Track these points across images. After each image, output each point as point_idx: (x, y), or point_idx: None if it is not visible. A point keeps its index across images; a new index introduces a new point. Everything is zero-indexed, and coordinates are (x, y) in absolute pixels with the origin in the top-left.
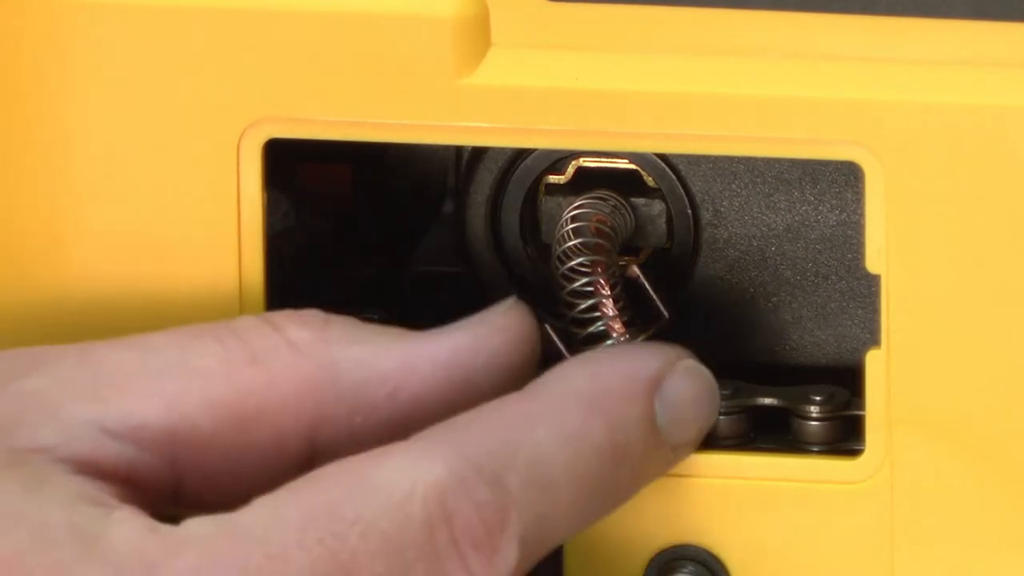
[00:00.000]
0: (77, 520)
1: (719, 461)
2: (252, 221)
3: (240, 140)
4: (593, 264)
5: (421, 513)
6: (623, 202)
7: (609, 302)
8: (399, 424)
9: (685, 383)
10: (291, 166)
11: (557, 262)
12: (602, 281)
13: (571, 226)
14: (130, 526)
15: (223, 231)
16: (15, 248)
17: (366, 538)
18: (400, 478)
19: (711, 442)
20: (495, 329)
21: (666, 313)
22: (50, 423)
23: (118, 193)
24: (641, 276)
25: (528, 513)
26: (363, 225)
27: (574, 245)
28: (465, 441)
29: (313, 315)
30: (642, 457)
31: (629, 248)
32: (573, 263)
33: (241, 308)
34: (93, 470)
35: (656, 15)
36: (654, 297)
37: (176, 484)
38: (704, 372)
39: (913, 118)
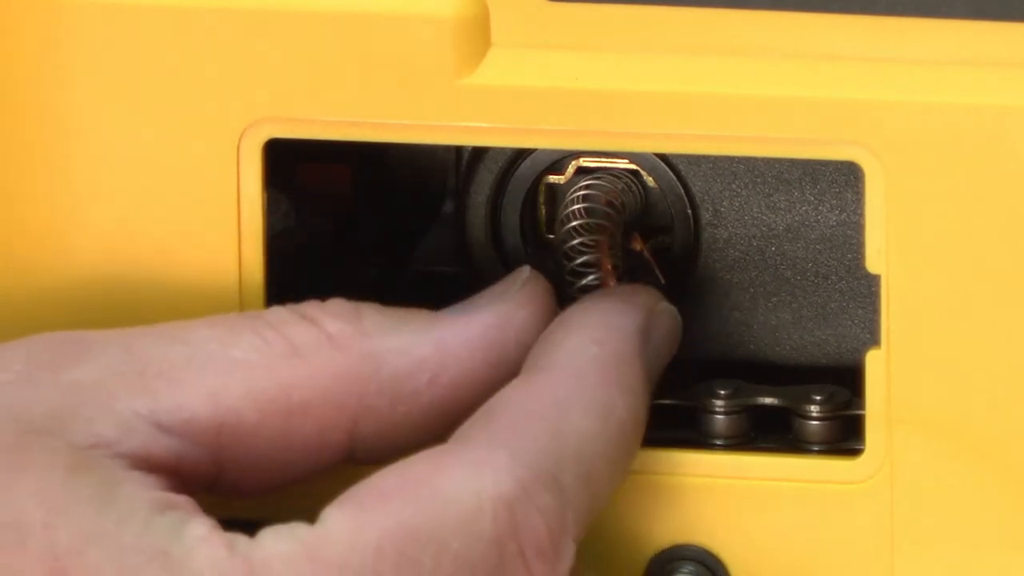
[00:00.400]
0: (155, 540)
1: (719, 461)
2: (252, 221)
3: (240, 140)
4: (597, 243)
5: (491, 529)
6: (635, 181)
7: (612, 281)
8: (439, 409)
9: (663, 327)
10: (291, 166)
11: (562, 237)
12: (605, 259)
13: (578, 206)
14: (209, 546)
15: (223, 231)
16: (15, 247)
17: (439, 560)
18: (467, 493)
19: (711, 442)
20: (518, 304)
21: (663, 279)
22: (107, 417)
23: (118, 193)
24: (645, 249)
25: (581, 510)
26: (363, 225)
27: (578, 225)
28: (520, 444)
29: (343, 305)
30: (644, 412)
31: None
32: (576, 241)
33: (241, 308)
34: (147, 464)
35: (656, 15)
36: (656, 269)
37: (216, 476)
38: (672, 309)
39: (913, 118)
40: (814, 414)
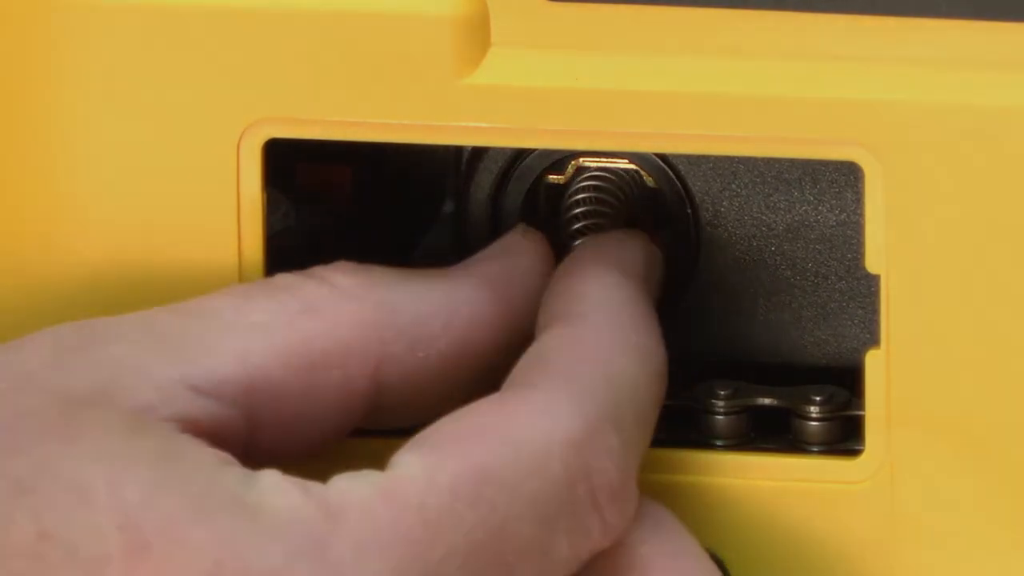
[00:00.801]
0: (227, 488)
1: (719, 461)
2: (252, 221)
3: (240, 140)
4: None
5: (562, 472)
6: (635, 181)
7: None
8: (456, 353)
9: (656, 267)
10: (291, 166)
11: (562, 237)
12: None
13: (580, 209)
14: (283, 491)
15: (223, 231)
16: (15, 248)
17: (512, 502)
18: (537, 436)
19: (711, 442)
20: (519, 253)
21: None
22: (146, 385)
23: (118, 193)
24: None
25: (640, 451)
26: (363, 225)
27: (579, 225)
28: (581, 388)
29: (349, 264)
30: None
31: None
32: (576, 242)
33: None
34: (191, 429)
35: (656, 15)
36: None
37: (251, 438)
38: (656, 251)
39: (913, 118)
40: (814, 415)
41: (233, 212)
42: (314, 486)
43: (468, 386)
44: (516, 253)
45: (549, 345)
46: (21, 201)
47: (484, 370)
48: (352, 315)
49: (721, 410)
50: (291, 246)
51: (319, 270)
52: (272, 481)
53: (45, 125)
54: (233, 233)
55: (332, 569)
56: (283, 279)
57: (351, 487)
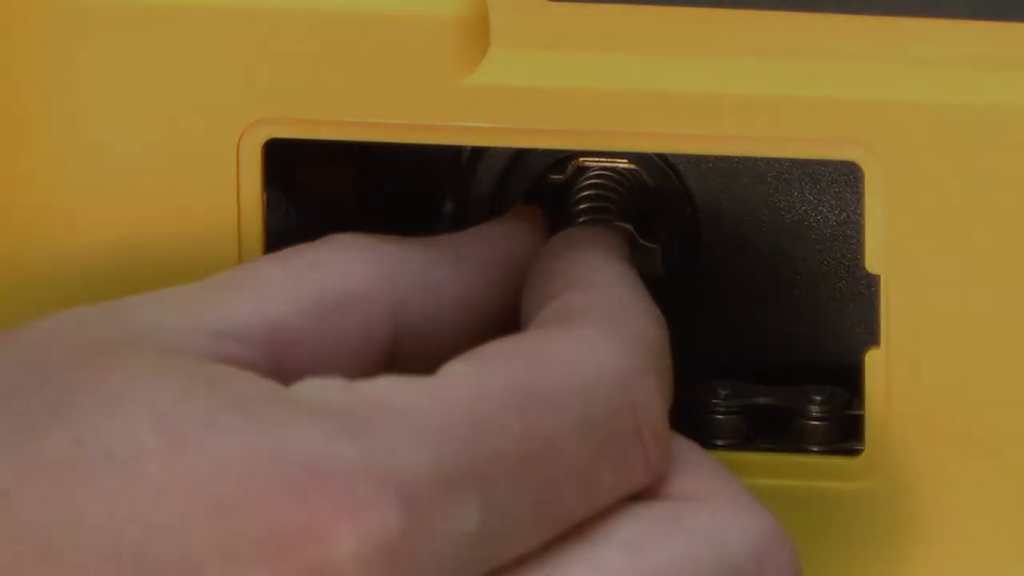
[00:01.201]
0: (265, 386)
1: (719, 461)
2: (252, 221)
3: (240, 140)
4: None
5: (609, 400)
6: (635, 181)
7: None
8: (468, 303)
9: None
10: (291, 166)
11: (565, 224)
12: None
13: (580, 207)
14: (324, 385)
15: (223, 231)
16: (14, 248)
17: (560, 421)
18: (588, 362)
19: (711, 442)
20: (515, 218)
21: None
22: (166, 333)
23: (117, 193)
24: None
25: (667, 407)
26: (363, 225)
27: (581, 211)
28: (624, 332)
29: (350, 233)
30: None
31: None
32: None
33: None
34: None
35: (656, 15)
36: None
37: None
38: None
39: (913, 118)
40: (814, 414)
41: (233, 212)
42: (358, 383)
43: (485, 339)
44: (514, 221)
45: (574, 300)
46: (20, 201)
47: (498, 325)
48: (362, 264)
49: (721, 410)
50: (291, 246)
51: (323, 238)
52: (312, 381)
53: (45, 125)
54: (233, 233)
55: (373, 451)
56: (288, 249)
57: (398, 384)
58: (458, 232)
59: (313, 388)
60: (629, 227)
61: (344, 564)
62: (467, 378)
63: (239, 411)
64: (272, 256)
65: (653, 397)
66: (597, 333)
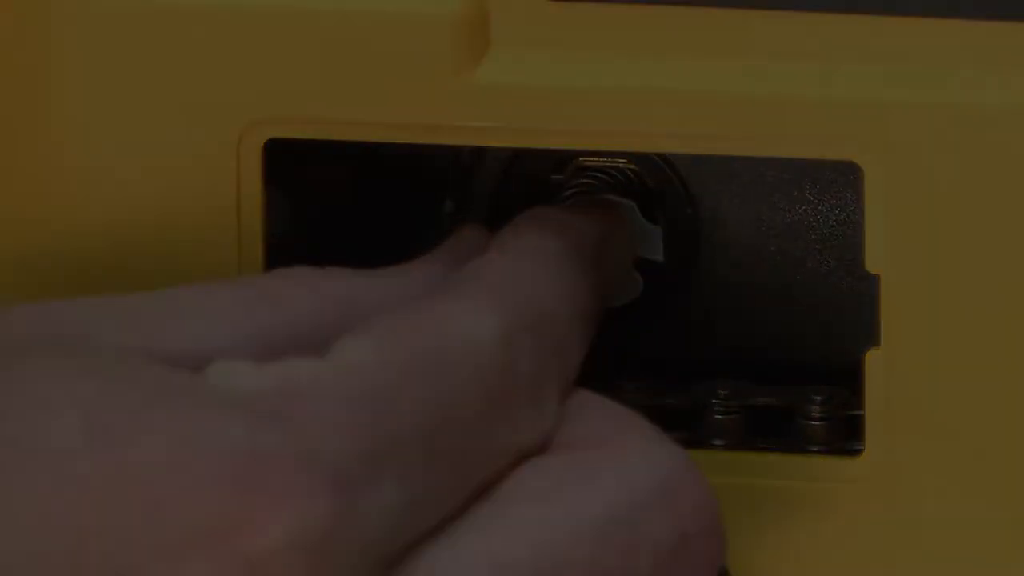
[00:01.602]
0: (182, 377)
1: (719, 461)
2: (252, 221)
3: (240, 140)
4: None
5: (491, 362)
6: (635, 181)
7: None
8: None
9: (621, 235)
10: (291, 166)
11: None
12: None
13: (576, 191)
14: (235, 370)
15: (223, 231)
16: (13, 248)
17: (456, 384)
18: (465, 330)
19: (711, 442)
20: (459, 243)
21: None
22: (96, 341)
23: (117, 192)
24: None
25: (560, 384)
26: (363, 225)
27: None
28: (503, 299)
29: (307, 267)
30: (599, 311)
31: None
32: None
33: None
34: None
35: (656, 15)
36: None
37: None
38: (609, 213)
39: (913, 118)
40: (814, 414)
41: (233, 212)
42: (267, 366)
43: None
44: (467, 240)
45: (474, 266)
46: (20, 201)
47: None
48: (311, 303)
49: (721, 410)
50: (291, 246)
51: (282, 269)
52: (222, 366)
53: (44, 124)
54: (233, 233)
55: (297, 437)
56: (248, 277)
57: (304, 364)
58: (407, 263)
59: (227, 374)
60: (631, 203)
61: (281, 552)
62: (367, 356)
63: (164, 406)
64: (230, 282)
65: (531, 356)
66: (476, 304)
